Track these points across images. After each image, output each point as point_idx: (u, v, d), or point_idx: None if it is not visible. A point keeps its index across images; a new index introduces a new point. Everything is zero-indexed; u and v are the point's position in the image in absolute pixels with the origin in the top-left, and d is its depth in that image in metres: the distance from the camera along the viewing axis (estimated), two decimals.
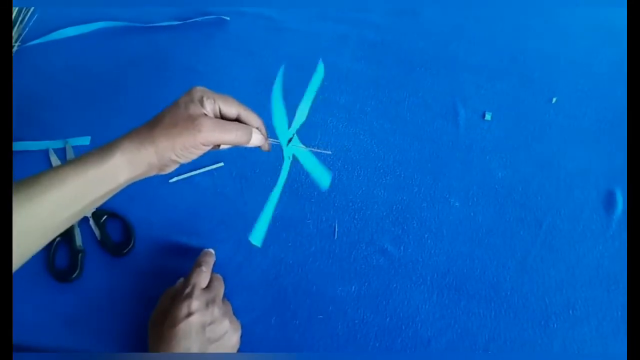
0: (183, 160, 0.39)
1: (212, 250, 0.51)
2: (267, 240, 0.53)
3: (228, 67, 0.66)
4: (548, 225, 0.54)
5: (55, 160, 0.58)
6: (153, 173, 0.40)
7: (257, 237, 0.46)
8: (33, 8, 0.70)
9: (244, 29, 0.70)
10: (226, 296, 0.49)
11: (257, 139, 0.42)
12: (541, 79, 0.64)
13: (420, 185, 0.57)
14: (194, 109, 0.38)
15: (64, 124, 0.61)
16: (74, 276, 0.51)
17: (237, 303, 0.49)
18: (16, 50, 0.67)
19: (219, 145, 0.42)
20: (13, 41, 0.67)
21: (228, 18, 0.70)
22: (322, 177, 0.48)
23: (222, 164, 0.58)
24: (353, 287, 0.51)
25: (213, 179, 0.57)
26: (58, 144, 0.59)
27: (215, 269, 0.50)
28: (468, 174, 0.57)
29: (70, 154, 0.58)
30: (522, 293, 0.51)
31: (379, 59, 0.67)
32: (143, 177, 0.39)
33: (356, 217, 0.55)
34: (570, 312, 0.50)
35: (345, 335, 0.49)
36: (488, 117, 0.61)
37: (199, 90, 0.40)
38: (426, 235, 0.54)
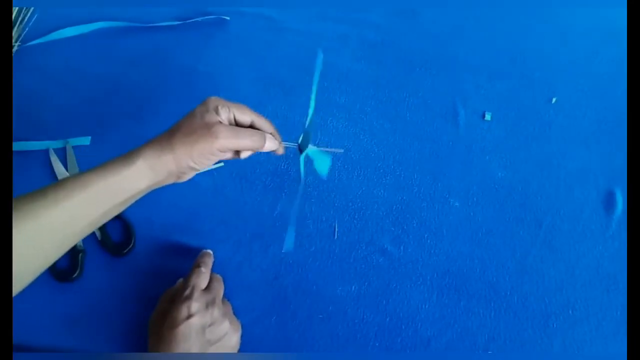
0: (200, 167, 0.41)
1: (210, 251, 0.51)
2: (267, 240, 0.54)
3: (228, 67, 0.66)
4: (548, 225, 0.54)
5: (55, 160, 0.58)
6: (172, 180, 0.41)
7: (288, 244, 0.47)
8: (33, 8, 0.70)
9: (244, 29, 0.70)
10: (226, 296, 0.49)
11: (271, 144, 0.44)
12: (541, 79, 0.64)
13: (420, 185, 0.57)
14: (210, 118, 0.40)
15: (64, 124, 0.61)
16: (74, 276, 0.51)
17: (237, 303, 0.49)
18: (16, 50, 0.67)
19: (238, 154, 0.43)
20: (13, 41, 0.67)
21: (228, 18, 0.70)
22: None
23: (222, 164, 0.58)
24: (353, 287, 0.51)
25: (213, 179, 0.57)
26: (58, 144, 0.59)
27: (215, 269, 0.50)
28: (468, 174, 0.57)
29: (70, 154, 0.58)
30: (521, 293, 0.51)
31: (379, 59, 0.67)
32: (163, 184, 0.41)
33: (356, 217, 0.55)
34: (570, 312, 0.50)
35: (345, 335, 0.49)
36: (488, 117, 0.61)
37: (213, 100, 0.41)
38: (426, 235, 0.54)
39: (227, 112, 0.41)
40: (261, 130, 0.43)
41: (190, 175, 0.42)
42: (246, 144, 0.41)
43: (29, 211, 0.35)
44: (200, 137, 0.39)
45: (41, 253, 0.36)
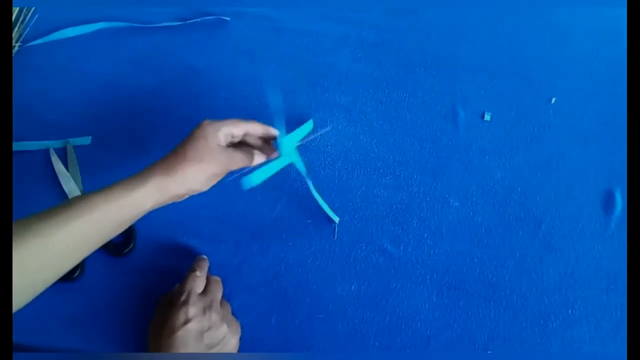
0: (204, 189, 0.44)
1: (204, 257, 0.51)
2: (267, 240, 0.54)
3: (228, 67, 0.66)
4: (547, 225, 0.54)
5: (55, 160, 0.58)
6: (173, 201, 0.43)
7: (250, 182, 0.47)
8: (34, 8, 0.70)
9: (244, 29, 0.70)
10: (226, 296, 0.49)
11: (259, 158, 0.48)
12: (541, 79, 0.64)
13: (420, 185, 0.57)
14: (213, 142, 0.43)
15: (64, 124, 0.61)
16: (74, 276, 0.51)
17: (237, 303, 0.49)
18: (17, 51, 0.67)
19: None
20: (14, 41, 0.67)
21: (228, 18, 0.70)
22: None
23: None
24: (353, 287, 0.51)
25: None
26: (58, 144, 0.59)
27: (214, 270, 0.50)
28: (468, 174, 0.58)
29: (70, 154, 0.58)
30: (521, 292, 0.51)
31: (379, 59, 0.67)
32: (165, 204, 0.43)
33: (356, 217, 0.55)
34: (569, 311, 0.50)
35: (345, 334, 0.49)
36: (488, 117, 0.61)
37: (208, 124, 0.44)
38: (426, 235, 0.54)
39: (223, 132, 0.44)
40: (251, 145, 0.48)
41: (189, 195, 0.44)
42: (239, 165, 0.46)
43: (40, 229, 0.36)
44: (210, 164, 0.42)
45: (50, 269, 0.38)
